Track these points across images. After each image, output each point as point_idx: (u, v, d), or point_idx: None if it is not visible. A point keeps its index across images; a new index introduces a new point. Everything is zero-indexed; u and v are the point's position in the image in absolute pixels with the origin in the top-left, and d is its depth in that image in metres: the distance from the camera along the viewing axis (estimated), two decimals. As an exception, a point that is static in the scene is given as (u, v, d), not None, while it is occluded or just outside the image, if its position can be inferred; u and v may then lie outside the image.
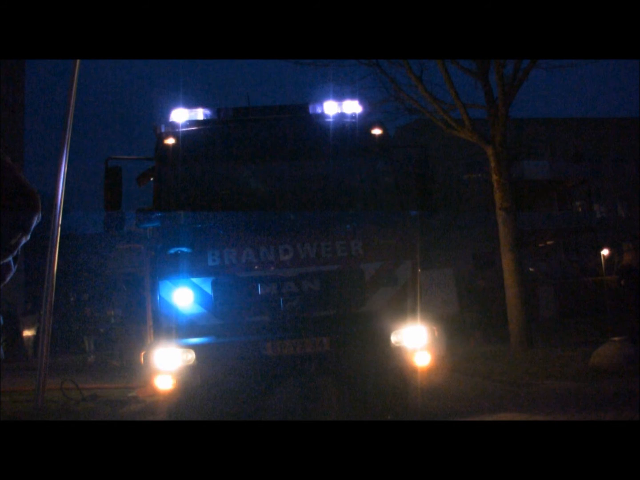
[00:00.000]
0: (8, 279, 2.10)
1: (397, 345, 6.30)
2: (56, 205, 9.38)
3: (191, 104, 6.90)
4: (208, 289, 6.13)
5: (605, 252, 32.71)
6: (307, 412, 5.93)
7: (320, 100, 7.13)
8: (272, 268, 6.22)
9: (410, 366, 6.32)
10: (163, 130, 6.82)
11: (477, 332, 15.87)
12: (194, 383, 6.03)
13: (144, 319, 8.17)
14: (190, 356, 6.07)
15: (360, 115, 7.04)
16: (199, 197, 6.70)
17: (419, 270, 6.59)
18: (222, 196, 6.80)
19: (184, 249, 6.17)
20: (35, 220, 1.95)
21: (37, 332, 20.45)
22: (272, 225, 6.41)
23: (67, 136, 9.42)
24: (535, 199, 34.93)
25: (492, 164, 13.64)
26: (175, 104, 6.85)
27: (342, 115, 6.99)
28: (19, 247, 1.94)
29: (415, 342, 6.32)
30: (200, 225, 6.49)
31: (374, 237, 6.38)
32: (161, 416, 6.87)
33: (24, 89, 30.97)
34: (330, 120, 7.00)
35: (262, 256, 6.21)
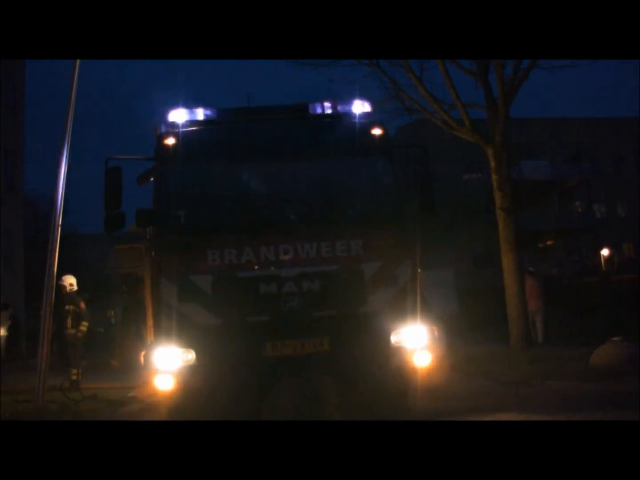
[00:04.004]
0: None
1: (397, 345, 6.29)
2: (56, 205, 9.39)
3: (191, 104, 6.90)
4: (208, 288, 6.12)
5: (605, 252, 32.72)
6: (307, 412, 5.93)
7: (320, 100, 7.12)
8: (272, 268, 6.21)
9: (410, 366, 6.32)
10: (163, 130, 6.81)
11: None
12: (194, 383, 6.02)
13: (144, 319, 8.16)
14: (190, 356, 6.07)
15: (360, 115, 7.04)
16: (199, 197, 6.69)
17: (419, 270, 6.58)
18: (222, 196, 6.79)
19: (184, 249, 6.17)
20: None
21: (9, 330, 19.85)
22: (272, 225, 6.40)
23: (67, 136, 9.43)
24: (535, 199, 34.90)
25: (492, 164, 13.63)
26: (175, 104, 6.84)
27: (342, 116, 6.98)
28: None
29: (415, 342, 6.31)
30: (200, 225, 6.48)
31: (374, 237, 6.37)
32: (161, 416, 6.86)
33: (24, 89, 30.93)
34: (330, 120, 7.00)
35: (262, 256, 6.20)
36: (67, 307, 10.59)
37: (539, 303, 14.37)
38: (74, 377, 10.35)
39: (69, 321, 10.57)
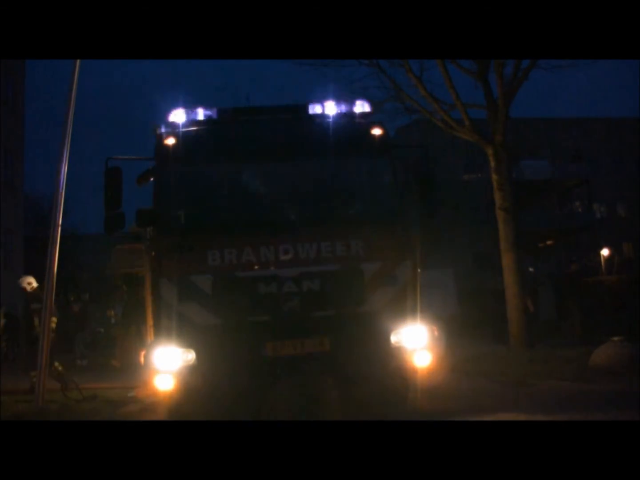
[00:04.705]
0: None
1: (397, 345, 6.30)
2: (56, 205, 9.39)
3: (191, 104, 6.90)
4: (208, 288, 6.12)
5: (605, 252, 32.68)
6: (307, 412, 5.93)
7: (320, 100, 7.12)
8: (272, 268, 6.21)
9: (410, 366, 6.32)
10: (163, 130, 6.81)
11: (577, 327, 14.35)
12: (194, 383, 6.02)
13: (144, 319, 8.16)
14: (190, 356, 6.07)
15: (360, 115, 7.04)
16: (198, 197, 6.70)
17: (419, 270, 6.58)
18: (222, 196, 6.79)
19: (184, 249, 6.18)
20: None
21: (5, 330, 19.69)
22: (272, 225, 6.40)
23: (67, 136, 9.42)
24: (535, 199, 34.92)
25: (492, 164, 13.63)
26: (175, 104, 6.84)
27: (342, 116, 6.98)
28: None
29: (415, 342, 6.32)
30: (200, 225, 6.48)
31: (374, 237, 6.37)
32: (161, 416, 6.86)
33: (24, 89, 30.95)
34: (330, 120, 6.99)
35: (262, 256, 6.20)
36: (31, 306, 10.37)
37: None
38: (60, 369, 10.10)
39: (36, 320, 10.17)
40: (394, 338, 6.30)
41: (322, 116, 7.02)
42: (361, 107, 7.01)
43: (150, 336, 6.55)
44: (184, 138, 6.61)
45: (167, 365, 6.06)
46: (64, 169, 9.32)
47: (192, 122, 6.76)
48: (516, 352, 12.43)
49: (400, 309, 6.32)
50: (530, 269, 18.11)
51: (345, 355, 6.12)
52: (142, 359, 7.02)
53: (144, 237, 7.51)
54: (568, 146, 39.67)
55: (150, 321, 6.57)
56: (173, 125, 6.76)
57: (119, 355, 13.99)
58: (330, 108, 6.99)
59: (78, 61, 9.51)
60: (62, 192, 9.31)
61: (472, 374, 10.48)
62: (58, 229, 9.29)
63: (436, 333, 6.75)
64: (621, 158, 41.19)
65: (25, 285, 10.60)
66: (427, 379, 6.60)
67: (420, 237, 6.83)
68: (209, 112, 6.85)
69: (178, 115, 6.73)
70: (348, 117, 6.97)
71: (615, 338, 9.83)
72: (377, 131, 6.77)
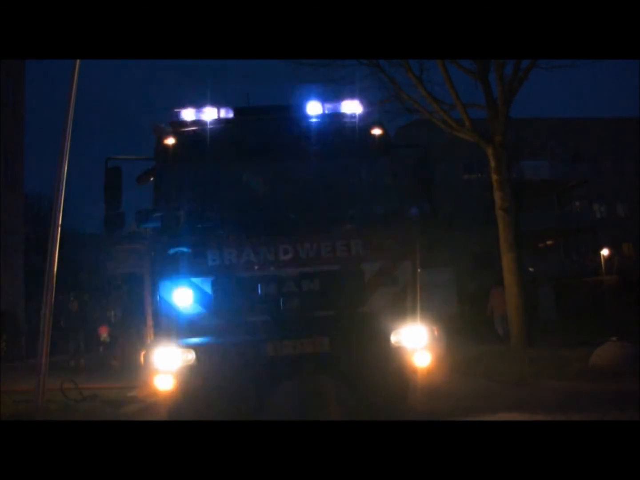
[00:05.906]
0: None
1: (397, 345, 6.30)
2: (56, 205, 9.39)
3: (191, 103, 6.90)
4: (208, 288, 6.12)
5: (605, 252, 32.69)
6: (307, 412, 5.93)
7: (320, 100, 7.12)
8: (272, 268, 6.21)
9: (410, 366, 6.32)
10: (163, 130, 6.81)
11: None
12: (194, 383, 6.02)
13: (144, 319, 8.16)
14: (190, 356, 6.07)
15: (360, 115, 7.04)
16: (198, 197, 6.70)
17: (419, 270, 6.59)
18: (222, 196, 6.79)
19: (184, 249, 6.18)
20: None
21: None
22: (272, 225, 6.40)
23: (67, 136, 9.43)
24: (535, 199, 34.91)
25: (492, 164, 13.64)
26: (175, 104, 6.84)
27: (342, 115, 6.98)
28: None
29: (415, 342, 6.32)
30: (200, 225, 6.48)
31: (374, 237, 6.37)
32: (161, 416, 6.86)
33: (24, 89, 30.94)
34: (330, 120, 6.99)
35: (262, 256, 6.20)
36: None
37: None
38: None
39: None
40: (394, 338, 6.30)
41: (322, 116, 7.02)
42: (360, 107, 7.01)
43: (150, 336, 6.54)
44: (184, 138, 6.61)
45: (167, 365, 6.06)
46: (64, 169, 9.33)
47: (192, 121, 6.76)
48: (516, 352, 12.44)
49: (401, 309, 6.32)
50: (531, 269, 18.11)
51: (345, 355, 6.12)
52: (142, 359, 7.01)
53: (144, 237, 7.51)
54: (568, 146, 39.67)
55: (150, 321, 6.57)
56: (173, 125, 6.77)
57: (119, 355, 14.00)
58: (330, 108, 7.00)
59: (78, 61, 9.51)
60: (62, 192, 9.31)
61: (472, 374, 10.49)
62: (58, 229, 9.29)
63: (436, 333, 6.75)
64: (621, 158, 41.16)
65: None
66: (427, 379, 6.60)
67: (420, 237, 6.82)
68: (208, 112, 6.85)
69: (178, 115, 6.73)
70: (348, 117, 6.97)
71: (615, 338, 9.84)
72: (376, 131, 6.78)
